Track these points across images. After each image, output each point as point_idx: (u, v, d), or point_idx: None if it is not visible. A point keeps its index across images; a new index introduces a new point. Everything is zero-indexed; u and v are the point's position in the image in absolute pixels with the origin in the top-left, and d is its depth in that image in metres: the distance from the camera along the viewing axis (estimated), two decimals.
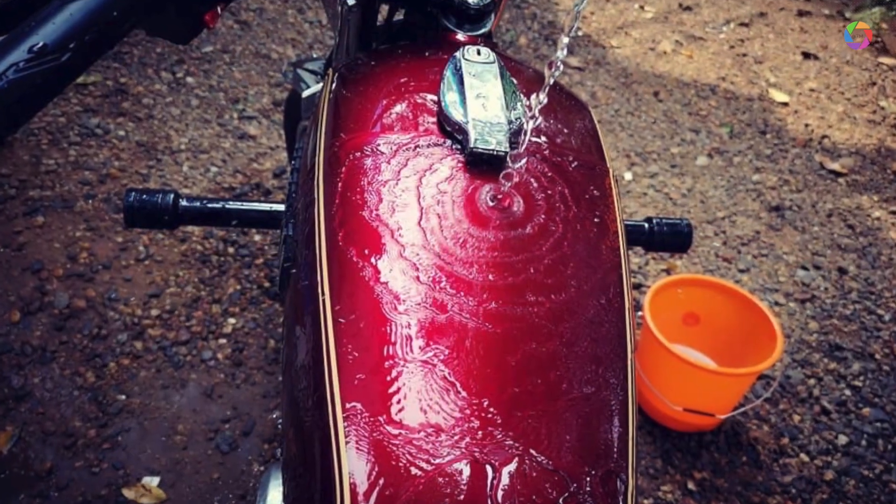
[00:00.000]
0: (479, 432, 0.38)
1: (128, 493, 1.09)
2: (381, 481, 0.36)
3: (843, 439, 1.34)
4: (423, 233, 0.45)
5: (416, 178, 0.48)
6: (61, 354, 1.27)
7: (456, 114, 0.51)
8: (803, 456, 1.30)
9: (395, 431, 0.37)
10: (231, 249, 1.52)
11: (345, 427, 0.38)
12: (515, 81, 0.56)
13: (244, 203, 0.80)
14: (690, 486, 1.23)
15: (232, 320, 1.38)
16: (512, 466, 0.37)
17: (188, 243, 1.52)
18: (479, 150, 0.48)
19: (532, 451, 0.38)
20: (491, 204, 0.48)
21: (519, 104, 0.53)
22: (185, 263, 1.47)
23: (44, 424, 1.16)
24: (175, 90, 1.96)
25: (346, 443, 0.37)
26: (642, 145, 2.09)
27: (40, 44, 0.37)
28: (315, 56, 2.20)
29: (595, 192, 0.53)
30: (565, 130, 0.57)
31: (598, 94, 2.30)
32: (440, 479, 0.36)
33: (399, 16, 0.83)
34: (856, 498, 1.25)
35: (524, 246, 0.46)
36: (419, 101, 0.55)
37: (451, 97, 0.52)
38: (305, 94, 1.04)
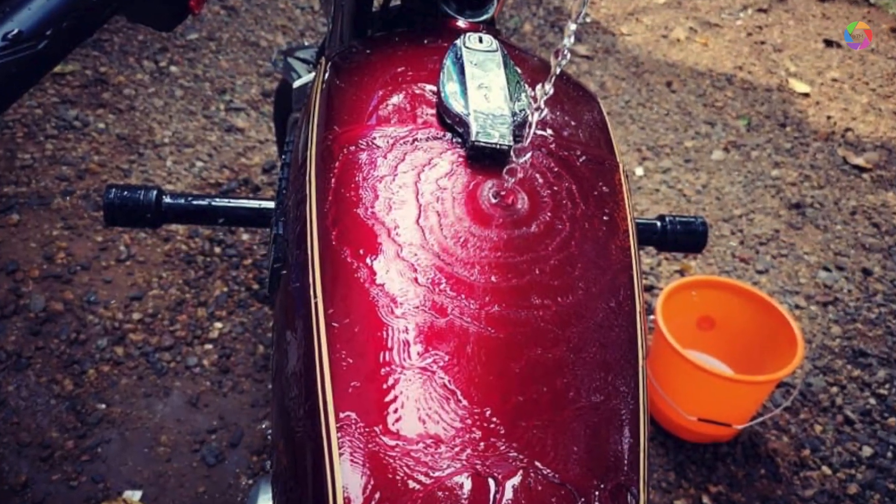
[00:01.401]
0: (481, 443, 0.38)
1: None
2: (377, 495, 0.36)
3: (867, 451, 1.34)
4: (421, 232, 0.45)
5: (415, 173, 0.48)
6: (37, 361, 1.27)
7: (456, 105, 0.51)
8: (825, 468, 1.30)
9: (392, 442, 0.37)
10: (217, 249, 1.52)
11: (338, 438, 0.38)
12: (520, 71, 0.56)
13: (231, 200, 0.80)
14: (705, 500, 1.23)
15: (218, 324, 1.38)
16: (516, 480, 0.37)
17: (172, 243, 1.52)
18: (481, 144, 0.48)
19: (537, 464, 0.38)
20: (493, 201, 0.48)
21: (523, 95, 0.53)
22: (168, 264, 1.47)
23: (18, 435, 1.16)
24: (158, 80, 1.96)
25: (340, 454, 0.37)
26: (654, 139, 2.09)
27: (15, 30, 0.37)
28: (307, 44, 2.20)
29: (604, 188, 0.53)
30: (573, 123, 0.57)
31: (607, 84, 2.30)
32: (440, 493, 0.36)
33: (396, 1, 0.83)
34: None
35: (529, 246, 0.46)
36: (417, 91, 0.55)
37: (451, 87, 0.52)
38: (296, 84, 1.04)
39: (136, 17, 0.51)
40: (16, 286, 1.37)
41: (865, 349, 1.53)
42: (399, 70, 0.57)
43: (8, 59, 0.36)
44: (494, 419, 0.39)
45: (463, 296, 0.43)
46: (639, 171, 1.96)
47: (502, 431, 0.39)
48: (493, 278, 0.44)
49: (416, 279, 0.43)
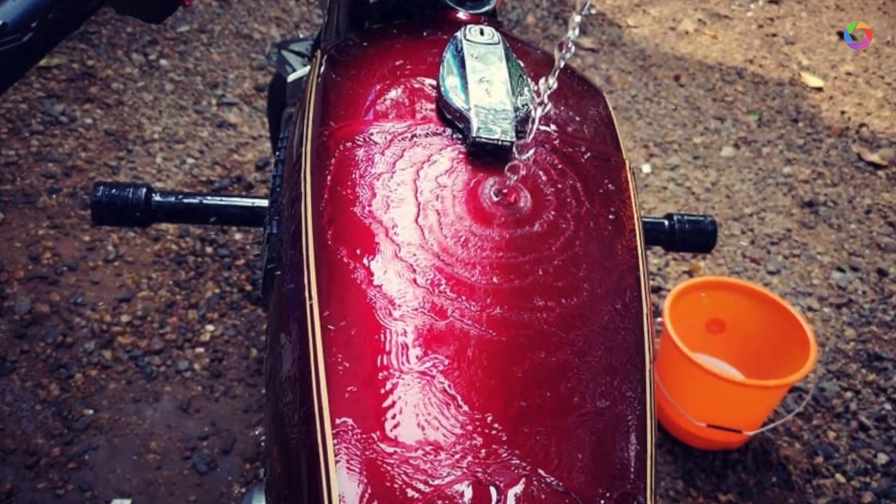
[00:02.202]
0: (483, 450, 0.38)
1: None
2: None
3: (882, 458, 1.34)
4: (420, 231, 0.45)
5: (413, 170, 0.48)
6: (22, 364, 1.27)
7: (457, 100, 0.51)
8: (839, 476, 1.30)
9: (390, 450, 0.37)
10: (209, 249, 1.52)
11: (334, 445, 0.38)
12: (522, 64, 0.56)
13: (224, 198, 0.80)
14: None
15: (210, 327, 1.38)
16: (518, 488, 0.37)
17: (162, 242, 1.52)
18: (483, 140, 0.48)
19: (540, 472, 0.38)
20: (495, 199, 0.48)
21: (526, 89, 0.53)
22: (158, 265, 1.47)
23: (3, 442, 1.16)
24: (147, 74, 1.96)
25: (336, 462, 0.38)
26: (662, 134, 2.09)
27: (0, 23, 0.37)
28: (302, 36, 2.19)
29: (610, 185, 0.53)
30: (577, 118, 0.57)
31: (613, 78, 2.30)
32: (439, 502, 0.36)
33: None
34: None
35: (532, 245, 0.46)
36: (416, 85, 0.55)
37: (451, 82, 0.52)
38: (291, 78, 1.04)
39: (125, 8, 0.51)
40: (0, 287, 1.37)
41: (881, 353, 1.53)
42: (397, 63, 0.57)
43: None
44: (496, 425, 0.39)
45: (463, 297, 0.43)
46: (646, 168, 1.96)
47: (504, 438, 0.39)
48: (494, 279, 0.44)
49: (414, 280, 0.43)
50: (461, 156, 0.50)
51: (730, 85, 2.34)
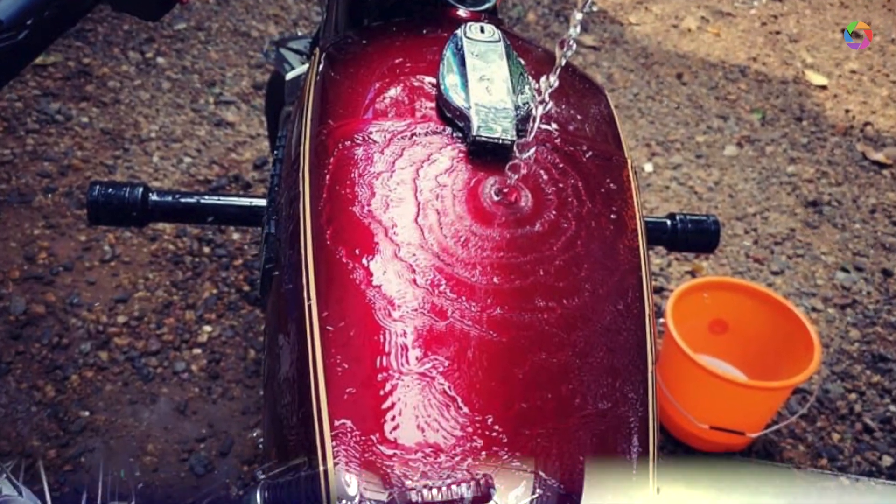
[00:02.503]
0: (483, 452, 0.38)
1: None
2: None
3: (887, 460, 1.34)
4: (420, 231, 0.45)
5: (413, 169, 0.49)
6: (18, 366, 1.27)
7: (457, 98, 0.51)
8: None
9: (389, 451, 0.37)
10: (206, 249, 1.52)
11: (333, 446, 0.38)
12: (523, 62, 0.56)
13: (221, 197, 0.80)
14: None
15: (207, 328, 1.38)
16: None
17: (159, 242, 1.52)
18: (483, 139, 0.48)
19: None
20: (496, 198, 0.48)
21: (527, 87, 0.53)
22: (155, 265, 1.47)
23: None
24: (144, 72, 1.96)
25: (335, 464, 0.38)
26: (664, 133, 2.09)
27: None
28: (300, 34, 2.20)
29: (612, 185, 0.53)
30: (579, 117, 0.58)
31: (615, 76, 2.30)
32: None
33: None
34: None
35: (533, 245, 0.46)
36: (416, 84, 0.55)
37: (451, 80, 0.52)
38: (289, 76, 1.04)
39: (122, 5, 0.51)
40: None
41: (885, 354, 1.53)
42: (397, 61, 0.58)
43: None
44: (497, 427, 0.39)
45: (464, 298, 0.43)
46: (648, 168, 1.96)
47: (505, 440, 0.39)
48: (495, 279, 0.44)
49: (414, 280, 0.43)
50: (461, 155, 0.50)
51: (733, 83, 2.34)
